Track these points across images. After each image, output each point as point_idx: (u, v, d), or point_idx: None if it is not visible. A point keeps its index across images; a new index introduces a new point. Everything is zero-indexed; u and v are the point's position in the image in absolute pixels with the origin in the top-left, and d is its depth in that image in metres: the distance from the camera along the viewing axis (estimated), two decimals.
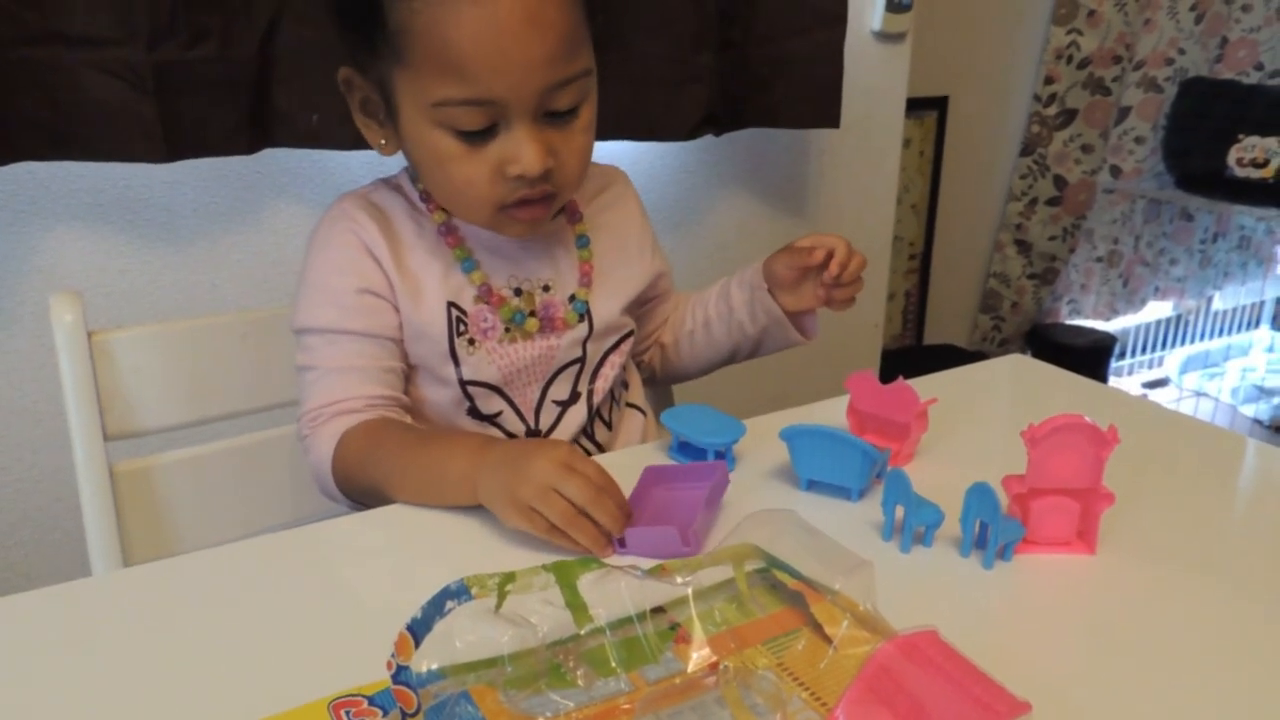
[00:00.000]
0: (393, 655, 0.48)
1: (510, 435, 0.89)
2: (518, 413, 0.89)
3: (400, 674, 0.48)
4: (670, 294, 1.04)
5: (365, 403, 0.82)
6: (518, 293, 0.88)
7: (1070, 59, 2.69)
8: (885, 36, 1.75)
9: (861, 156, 1.83)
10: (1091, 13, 2.65)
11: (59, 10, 1.05)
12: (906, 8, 1.72)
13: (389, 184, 0.90)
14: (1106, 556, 0.68)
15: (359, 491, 0.80)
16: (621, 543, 0.67)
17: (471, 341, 0.86)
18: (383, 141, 0.84)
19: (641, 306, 0.99)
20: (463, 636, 0.51)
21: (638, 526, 0.68)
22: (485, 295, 0.86)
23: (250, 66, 1.15)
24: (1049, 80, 2.71)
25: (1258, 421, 2.82)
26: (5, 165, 1.08)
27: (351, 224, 0.85)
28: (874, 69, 1.77)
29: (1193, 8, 2.73)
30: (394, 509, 0.75)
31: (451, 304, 0.85)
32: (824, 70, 1.55)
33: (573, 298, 0.89)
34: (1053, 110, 2.75)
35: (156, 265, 1.25)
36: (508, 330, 0.86)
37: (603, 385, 0.92)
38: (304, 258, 0.87)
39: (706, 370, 1.05)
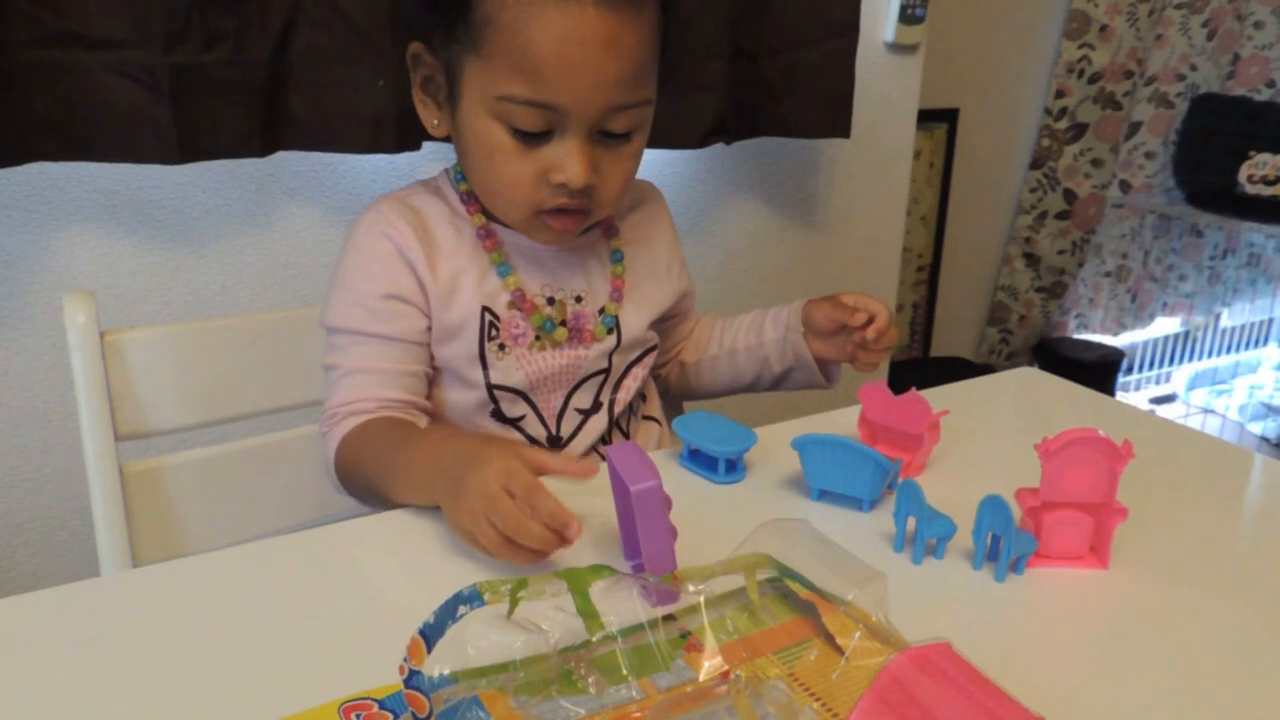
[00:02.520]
0: (405, 659, 0.48)
1: (532, 439, 0.89)
2: (540, 418, 0.89)
3: (412, 678, 0.48)
4: (692, 312, 1.05)
5: (379, 405, 0.82)
6: (550, 301, 0.88)
7: (1081, 73, 2.69)
8: (898, 48, 1.75)
9: (872, 167, 1.83)
10: (1104, 27, 2.65)
11: (76, 12, 1.05)
12: (920, 19, 1.72)
13: (428, 186, 0.91)
14: (1119, 571, 0.68)
15: (360, 490, 0.80)
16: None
17: (502, 347, 0.86)
18: (435, 122, 0.86)
19: (665, 322, 1.00)
20: (475, 641, 0.51)
21: None
22: (519, 301, 0.86)
23: (264, 70, 1.15)
24: (1060, 94, 2.70)
25: (1265, 439, 2.81)
26: (19, 165, 1.08)
27: (387, 229, 0.85)
28: (886, 80, 1.77)
29: (1205, 24, 2.73)
30: (405, 512, 0.75)
31: (485, 308, 0.86)
32: (836, 80, 1.56)
33: (602, 311, 0.90)
34: (1063, 124, 2.75)
35: (168, 267, 1.25)
36: (538, 338, 0.87)
37: (624, 396, 0.92)
38: (338, 256, 0.88)
39: (721, 394, 1.07)
